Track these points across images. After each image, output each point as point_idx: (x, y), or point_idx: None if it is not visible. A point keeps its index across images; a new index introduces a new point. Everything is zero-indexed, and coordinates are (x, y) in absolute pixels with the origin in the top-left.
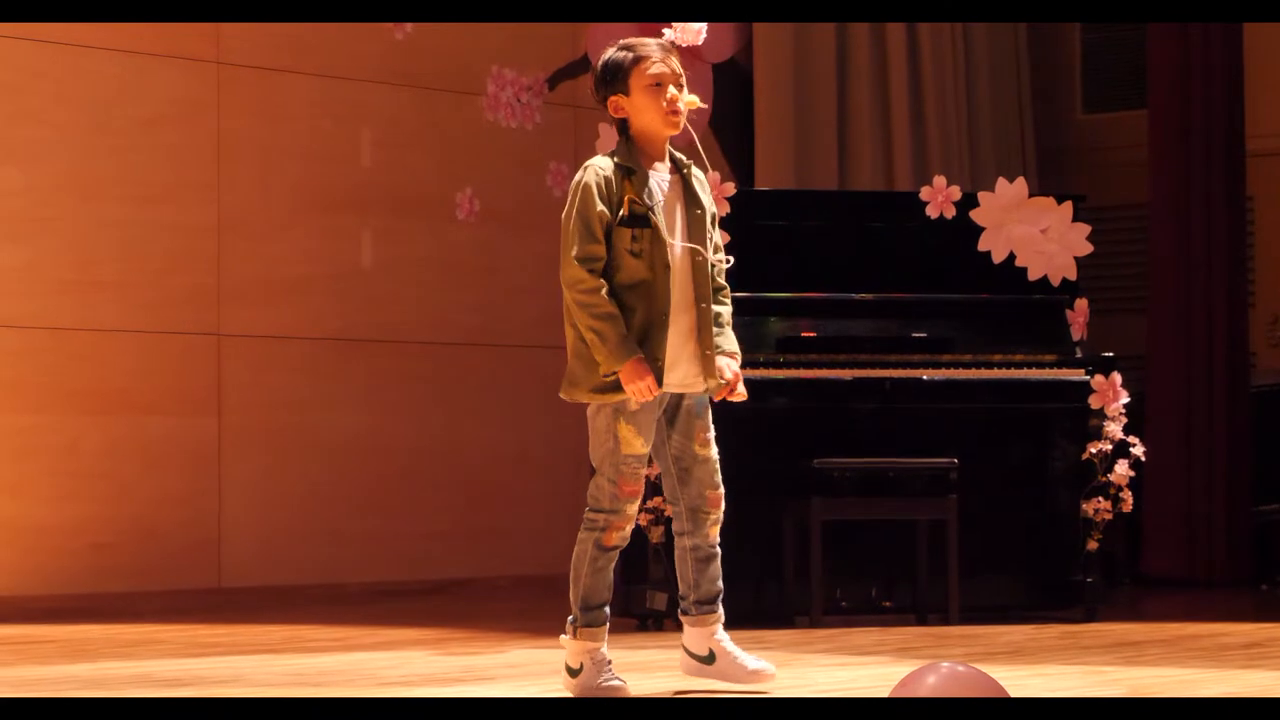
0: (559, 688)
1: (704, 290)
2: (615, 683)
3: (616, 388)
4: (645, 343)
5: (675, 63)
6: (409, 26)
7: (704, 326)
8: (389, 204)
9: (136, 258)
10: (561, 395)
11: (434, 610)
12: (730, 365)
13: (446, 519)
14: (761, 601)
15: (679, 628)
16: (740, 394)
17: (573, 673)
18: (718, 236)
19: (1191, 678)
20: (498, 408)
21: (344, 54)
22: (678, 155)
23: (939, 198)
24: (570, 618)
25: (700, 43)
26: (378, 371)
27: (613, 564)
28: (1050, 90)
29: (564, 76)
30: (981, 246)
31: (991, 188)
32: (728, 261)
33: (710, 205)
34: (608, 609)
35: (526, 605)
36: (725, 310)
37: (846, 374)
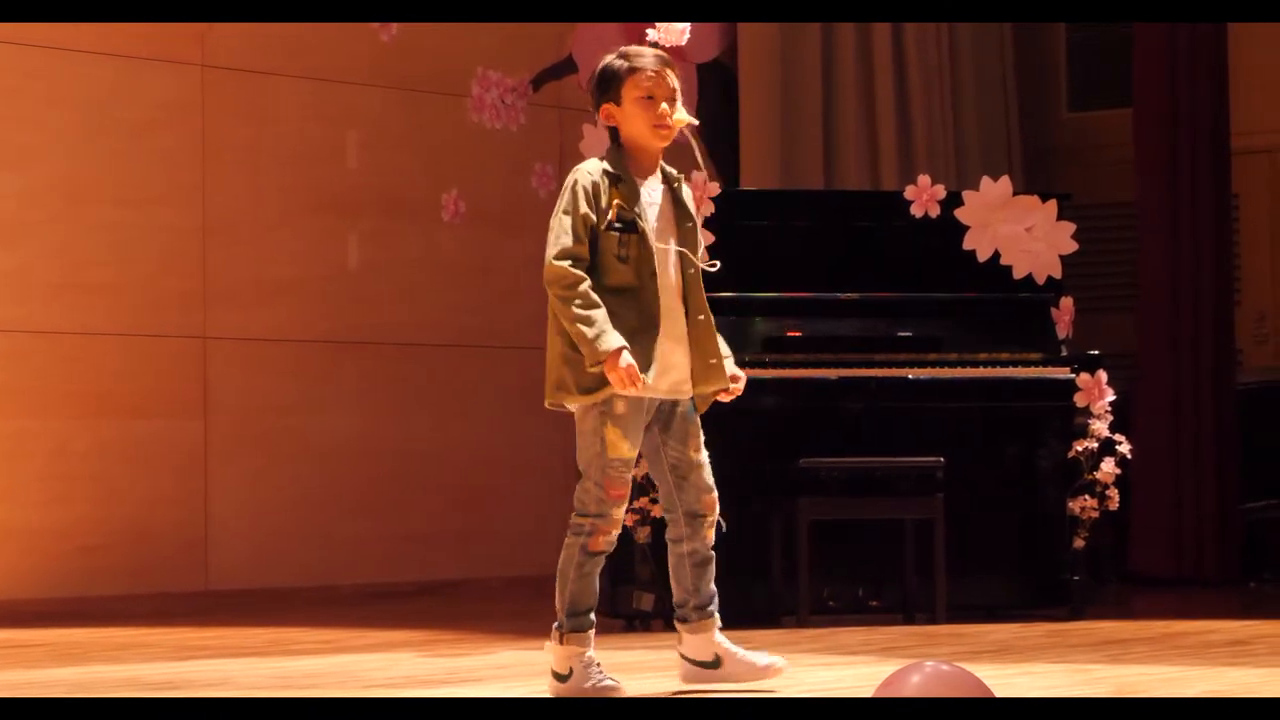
0: (545, 690)
1: (699, 300)
2: (608, 682)
3: (602, 383)
4: (634, 348)
5: (672, 78)
6: (394, 28)
7: (706, 336)
8: (376, 206)
9: (126, 261)
10: (547, 404)
11: (424, 612)
12: (735, 370)
13: (436, 521)
14: (749, 601)
15: (665, 628)
16: (729, 397)
17: (560, 678)
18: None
19: (1176, 675)
20: (487, 409)
21: (330, 56)
22: (669, 169)
23: (924, 197)
24: (556, 624)
25: (684, 43)
26: (366, 374)
27: (599, 569)
28: (1036, 89)
29: (548, 78)
30: (966, 245)
31: (978, 187)
32: (713, 266)
33: (694, 211)
34: (594, 614)
35: (517, 607)
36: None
37: (833, 373)
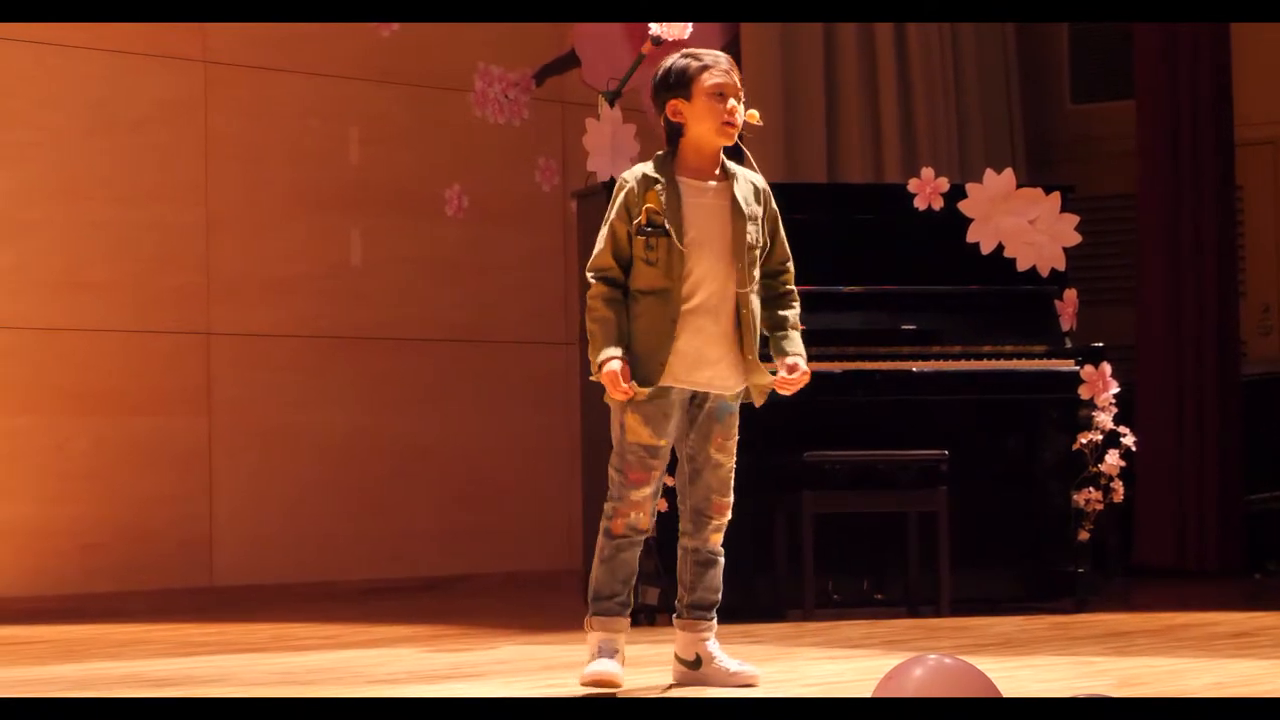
0: (548, 685)
1: (745, 296)
2: (594, 669)
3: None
4: (655, 346)
5: (737, 77)
6: (395, 25)
7: (746, 332)
8: (378, 202)
9: (125, 258)
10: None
11: (425, 608)
12: (798, 363)
13: (438, 516)
14: (754, 595)
15: (670, 623)
16: (788, 389)
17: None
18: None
19: (1180, 668)
20: (488, 405)
21: (331, 52)
22: (729, 165)
23: (927, 190)
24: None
25: (686, 38)
26: (367, 369)
27: (622, 554)
28: (1039, 81)
29: (551, 72)
30: (970, 238)
31: (981, 179)
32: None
33: (761, 210)
34: (620, 601)
35: (519, 602)
36: (790, 314)
37: (836, 367)
